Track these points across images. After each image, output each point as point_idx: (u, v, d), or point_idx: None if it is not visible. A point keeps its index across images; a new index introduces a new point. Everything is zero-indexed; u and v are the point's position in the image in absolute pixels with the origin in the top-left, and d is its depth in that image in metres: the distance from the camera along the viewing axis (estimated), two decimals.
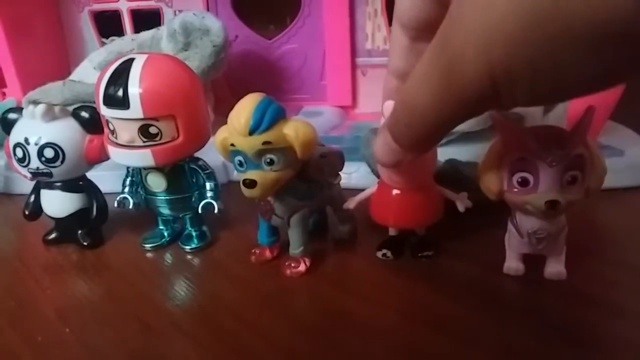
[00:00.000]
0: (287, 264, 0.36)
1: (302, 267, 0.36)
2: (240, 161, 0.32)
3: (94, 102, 0.52)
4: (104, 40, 0.64)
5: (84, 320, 0.33)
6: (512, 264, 0.34)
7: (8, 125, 0.38)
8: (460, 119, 0.19)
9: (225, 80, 0.62)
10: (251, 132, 0.31)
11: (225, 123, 0.32)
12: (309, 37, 0.60)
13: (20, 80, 0.61)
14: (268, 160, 0.32)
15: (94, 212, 0.40)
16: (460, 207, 0.35)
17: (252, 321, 0.32)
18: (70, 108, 0.39)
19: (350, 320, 0.32)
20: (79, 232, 0.41)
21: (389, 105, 0.27)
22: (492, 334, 0.30)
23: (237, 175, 0.49)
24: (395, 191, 0.35)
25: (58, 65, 0.65)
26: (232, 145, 0.32)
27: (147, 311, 0.34)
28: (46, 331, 0.33)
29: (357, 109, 0.62)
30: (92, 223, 0.40)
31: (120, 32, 0.63)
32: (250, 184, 0.32)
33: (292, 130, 0.31)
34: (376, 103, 0.61)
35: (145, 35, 0.55)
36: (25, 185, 0.51)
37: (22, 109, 0.39)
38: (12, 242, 0.46)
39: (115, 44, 0.57)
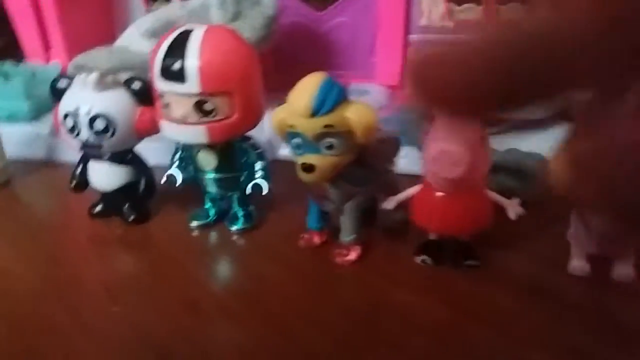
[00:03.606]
0: (337, 251, 0.35)
1: (352, 255, 0.35)
2: (298, 143, 0.31)
3: (141, 70, 0.52)
4: (150, 4, 0.63)
5: (131, 298, 0.33)
6: (579, 263, 0.33)
7: (58, 93, 0.37)
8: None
9: (270, 53, 0.60)
10: (313, 114, 0.29)
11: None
12: (360, 11, 0.58)
13: (65, 42, 0.60)
14: (328, 144, 0.30)
15: (142, 187, 0.39)
16: (512, 215, 0.33)
17: (298, 305, 0.32)
18: (122, 78, 0.37)
19: (399, 312, 0.31)
20: (125, 206, 0.40)
21: None
22: (553, 334, 0.29)
23: (282, 153, 0.48)
24: (439, 193, 0.31)
25: (103, 29, 0.64)
26: (291, 126, 0.30)
27: (192, 292, 0.34)
28: (94, 307, 0.32)
29: (406, 89, 0.60)
30: (139, 198, 0.40)
31: None
32: (309, 168, 0.30)
33: (354, 114, 0.30)
34: None
35: (195, 2, 0.54)
36: (69, 154, 0.51)
37: (72, 77, 0.38)
38: (57, 212, 0.46)
39: (163, 11, 0.55)
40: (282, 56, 0.60)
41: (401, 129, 0.46)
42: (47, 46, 0.60)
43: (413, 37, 0.58)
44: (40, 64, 0.60)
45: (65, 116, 0.36)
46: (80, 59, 0.53)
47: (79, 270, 0.37)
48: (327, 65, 0.61)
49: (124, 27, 0.59)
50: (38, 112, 0.54)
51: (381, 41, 0.58)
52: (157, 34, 0.54)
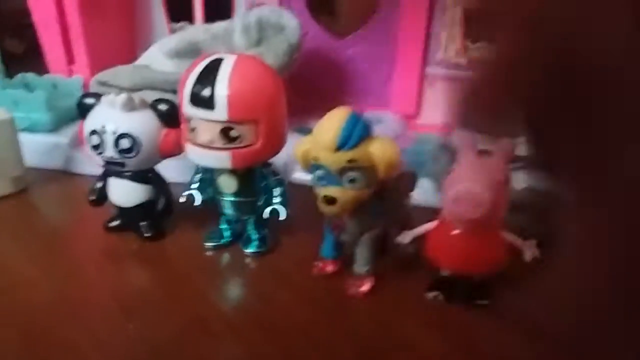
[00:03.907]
0: (351, 282, 0.36)
1: (366, 287, 0.35)
2: (320, 175, 0.32)
3: (163, 89, 0.53)
4: (173, 24, 0.64)
5: (144, 315, 0.33)
6: None
7: (84, 110, 0.38)
8: None
9: (288, 78, 0.61)
10: (338, 149, 0.30)
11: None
12: (380, 41, 0.59)
13: (89, 57, 0.61)
14: (350, 177, 0.31)
15: (161, 205, 0.40)
16: (527, 257, 0.32)
17: (307, 331, 0.32)
18: (149, 99, 0.38)
19: (407, 345, 0.32)
20: (142, 223, 0.41)
21: None
22: None
23: (297, 177, 0.49)
24: (455, 231, 0.32)
25: (126, 47, 0.65)
26: (315, 158, 0.31)
27: (204, 311, 0.34)
28: (108, 323, 0.33)
29: (419, 120, 0.61)
30: (157, 215, 0.40)
31: (189, 18, 0.63)
32: (331, 200, 0.31)
33: (378, 150, 0.30)
34: (441, 114, 0.60)
35: (219, 26, 0.55)
36: (87, 166, 0.52)
37: (99, 94, 0.39)
38: (72, 223, 0.47)
39: (188, 33, 0.56)
40: (299, 81, 0.61)
41: (417, 161, 0.46)
42: (70, 60, 0.62)
43: (429, 69, 0.59)
44: (62, 77, 0.61)
45: (92, 133, 0.37)
46: (103, 75, 0.54)
47: (94, 284, 0.37)
48: (343, 92, 0.62)
49: (146, 46, 0.61)
50: (58, 124, 0.55)
51: (398, 71, 0.59)
52: (180, 54, 0.55)
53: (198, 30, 0.56)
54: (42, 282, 0.37)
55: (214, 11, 0.61)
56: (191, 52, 0.55)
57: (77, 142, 0.54)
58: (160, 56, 0.56)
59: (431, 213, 0.40)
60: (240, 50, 0.52)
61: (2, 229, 0.43)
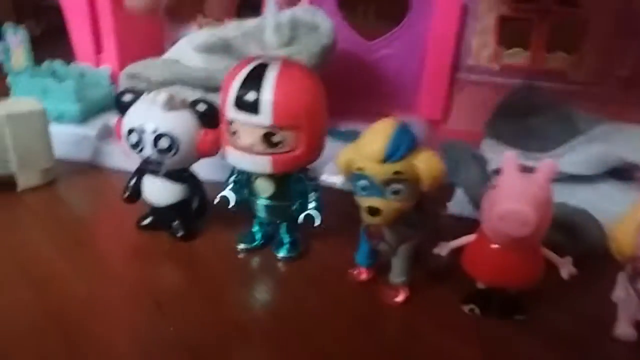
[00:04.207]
0: (387, 292, 0.36)
1: (401, 297, 0.35)
2: (364, 185, 0.31)
3: (193, 85, 0.52)
4: (201, 22, 0.64)
5: (181, 316, 0.34)
6: (625, 330, 0.33)
7: (123, 107, 0.38)
8: None
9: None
10: (385, 161, 0.30)
11: None
12: (410, 45, 0.59)
13: (118, 48, 0.61)
14: (394, 189, 0.31)
15: (195, 205, 0.40)
16: (564, 274, 0.32)
17: (339, 337, 0.32)
18: (188, 99, 0.38)
19: (439, 357, 0.32)
20: (175, 222, 0.41)
21: None
22: None
23: (323, 180, 0.48)
24: (494, 246, 0.32)
25: (154, 40, 0.65)
26: (360, 169, 0.31)
27: (240, 315, 0.34)
28: (145, 322, 0.33)
29: (447, 125, 0.60)
30: (190, 215, 0.40)
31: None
32: (375, 211, 0.31)
33: (424, 163, 0.30)
34: (469, 120, 0.60)
35: (250, 24, 0.54)
36: (115, 160, 0.52)
37: (138, 91, 0.39)
38: (101, 217, 0.47)
39: (219, 29, 0.56)
40: (327, 82, 0.61)
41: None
42: (98, 49, 0.61)
43: (459, 75, 0.59)
44: (90, 66, 0.61)
45: (130, 131, 0.37)
46: (133, 68, 0.54)
47: (127, 281, 0.37)
48: (370, 95, 0.62)
49: (173, 40, 0.60)
50: (86, 115, 0.55)
51: (427, 76, 0.59)
52: (209, 50, 0.55)
53: (229, 26, 0.55)
54: (75, 278, 0.37)
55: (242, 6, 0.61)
56: (221, 48, 0.55)
57: (105, 134, 0.54)
58: (189, 51, 0.56)
59: (461, 222, 0.40)
60: (271, 49, 0.52)
61: (33, 222, 0.44)
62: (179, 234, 0.41)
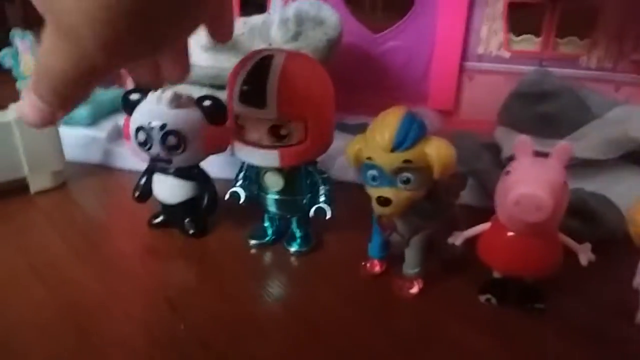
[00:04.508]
0: (400, 283, 0.35)
1: (415, 289, 0.35)
2: (373, 175, 0.31)
3: (201, 83, 0.52)
4: None
5: (197, 315, 0.33)
6: None
7: (130, 106, 0.38)
8: (89, 77, 0.23)
9: None
10: (394, 149, 0.29)
11: None
12: (418, 35, 0.58)
13: None
14: (404, 178, 0.30)
15: (205, 203, 0.40)
16: (583, 261, 0.31)
17: (355, 332, 0.32)
18: (187, 92, 0.38)
19: (455, 347, 0.31)
20: (186, 220, 0.41)
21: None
22: None
23: (334, 174, 0.48)
24: (510, 233, 0.31)
25: None
26: (370, 158, 0.30)
27: (254, 310, 0.34)
28: (162, 325, 0.33)
29: (458, 115, 0.60)
30: (201, 212, 0.40)
31: None
32: (385, 202, 0.30)
33: (434, 150, 0.30)
34: (480, 110, 0.59)
35: (256, 20, 0.54)
36: (125, 161, 0.52)
37: (144, 90, 0.38)
38: (113, 218, 0.47)
39: None
40: (334, 75, 0.60)
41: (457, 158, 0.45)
42: None
43: (468, 64, 0.58)
44: None
45: (138, 129, 0.37)
46: None
47: (142, 280, 0.37)
48: (379, 87, 0.61)
49: None
50: (96, 117, 0.55)
51: (436, 67, 0.58)
52: (216, 48, 0.54)
53: (235, 23, 0.55)
54: (89, 277, 0.37)
55: (249, 5, 0.60)
56: (228, 45, 0.54)
57: (114, 136, 0.54)
58: (196, 49, 0.56)
59: (472, 212, 0.40)
60: (278, 44, 0.51)
61: (46, 223, 0.44)
62: (191, 232, 0.40)
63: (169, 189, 0.40)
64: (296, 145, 0.34)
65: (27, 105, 0.29)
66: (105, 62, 0.22)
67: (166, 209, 0.41)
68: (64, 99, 0.27)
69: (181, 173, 0.39)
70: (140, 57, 0.24)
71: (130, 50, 0.22)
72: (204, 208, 0.40)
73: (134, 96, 0.38)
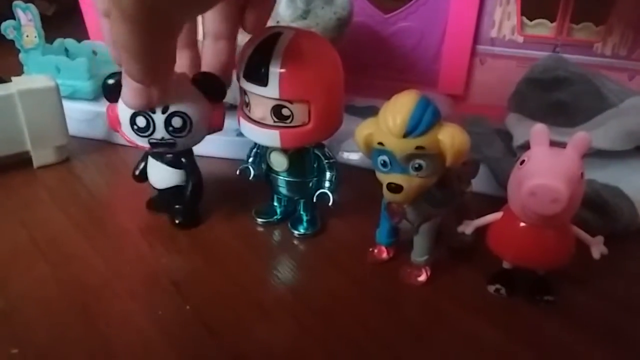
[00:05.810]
0: (408, 271, 0.35)
1: (423, 277, 0.34)
2: (384, 161, 0.30)
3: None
4: None
5: (202, 296, 0.33)
6: None
7: (112, 92, 0.34)
8: (161, 44, 0.26)
9: None
10: (406, 135, 0.28)
11: None
12: (429, 17, 0.56)
13: None
14: (416, 165, 0.29)
15: (189, 190, 0.38)
16: (595, 254, 0.31)
17: (361, 318, 0.32)
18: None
19: (462, 336, 0.31)
20: (176, 207, 0.40)
21: None
22: None
23: (342, 157, 0.47)
24: (522, 224, 0.30)
25: None
26: (381, 144, 0.29)
27: (259, 292, 0.34)
28: (166, 305, 0.32)
29: (468, 100, 0.59)
30: (185, 202, 0.39)
31: None
32: (396, 188, 0.30)
33: (447, 137, 0.29)
34: (491, 95, 0.58)
35: None
36: None
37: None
38: (116, 195, 0.46)
39: None
40: (343, 56, 0.59)
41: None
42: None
43: (480, 47, 0.57)
44: (102, 44, 0.60)
45: (136, 115, 0.34)
46: None
47: (144, 258, 0.37)
48: (388, 69, 0.60)
49: None
50: (98, 92, 0.54)
51: (447, 49, 0.57)
52: None
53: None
54: (93, 254, 0.37)
55: None
56: None
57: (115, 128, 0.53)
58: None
59: (482, 199, 0.39)
60: (286, 22, 0.50)
61: (49, 199, 0.43)
62: (177, 221, 0.40)
63: (157, 174, 0.39)
64: (298, 127, 0.33)
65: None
66: (171, 13, 0.24)
67: (160, 192, 0.40)
68: (152, 72, 0.29)
69: (169, 160, 0.38)
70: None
71: None
72: (188, 196, 0.39)
73: (111, 80, 0.35)
